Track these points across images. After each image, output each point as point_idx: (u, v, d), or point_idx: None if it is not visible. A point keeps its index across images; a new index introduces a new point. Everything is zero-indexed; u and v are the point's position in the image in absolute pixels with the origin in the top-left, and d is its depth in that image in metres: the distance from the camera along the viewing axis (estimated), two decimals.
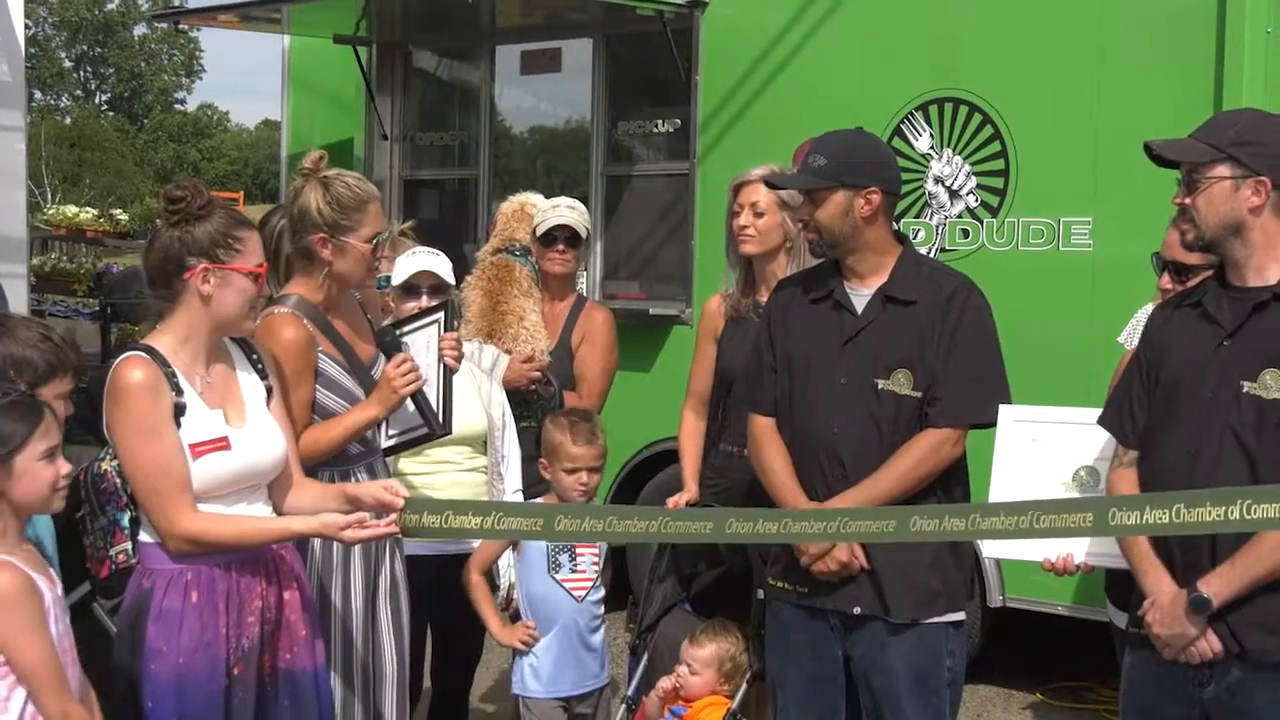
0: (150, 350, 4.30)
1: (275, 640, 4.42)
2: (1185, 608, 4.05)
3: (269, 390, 4.56)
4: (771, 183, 5.47)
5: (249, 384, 4.51)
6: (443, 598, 5.74)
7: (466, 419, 5.19)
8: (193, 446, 4.27)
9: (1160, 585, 4.13)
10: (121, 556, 4.05)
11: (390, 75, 10.95)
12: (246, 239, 4.38)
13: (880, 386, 4.81)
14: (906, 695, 4.90)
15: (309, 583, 4.68)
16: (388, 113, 10.91)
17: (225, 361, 4.48)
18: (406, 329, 5.19)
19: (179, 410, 4.27)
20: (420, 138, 11.05)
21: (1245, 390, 4.06)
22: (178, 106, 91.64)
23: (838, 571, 4.82)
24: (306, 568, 4.81)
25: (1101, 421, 4.47)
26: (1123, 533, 4.09)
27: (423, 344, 5.13)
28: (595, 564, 5.70)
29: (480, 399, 5.97)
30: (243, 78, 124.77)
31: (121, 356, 4.29)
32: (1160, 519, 3.79)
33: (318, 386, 4.93)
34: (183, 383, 4.30)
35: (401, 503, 4.36)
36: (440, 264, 5.98)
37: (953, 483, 4.89)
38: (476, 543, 5.68)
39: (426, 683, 6.27)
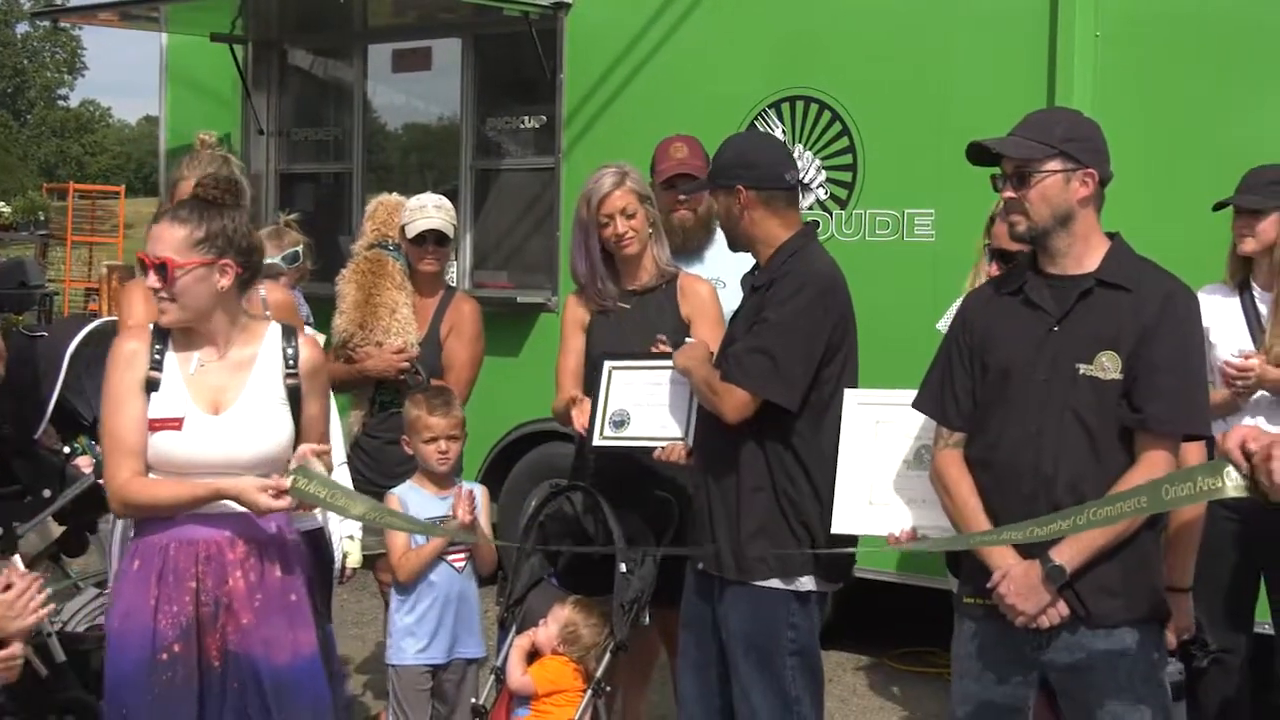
0: (157, 326, 4.45)
1: (224, 626, 4.41)
2: (1040, 577, 4.21)
3: (292, 390, 4.54)
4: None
5: (261, 378, 4.52)
6: None
7: None
8: (151, 421, 4.38)
9: (1007, 559, 4.26)
10: None
11: (266, 72, 10.99)
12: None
13: None
14: (742, 657, 5.03)
15: (260, 573, 4.50)
16: (264, 109, 10.95)
17: (248, 349, 4.54)
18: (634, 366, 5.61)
19: (152, 385, 4.39)
20: (295, 133, 11.08)
21: (1081, 372, 4.23)
22: (61, 103, 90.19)
23: None
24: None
25: (918, 405, 4.60)
26: (982, 544, 4.32)
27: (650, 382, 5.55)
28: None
29: None
30: (124, 75, 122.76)
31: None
32: (1015, 536, 4.04)
33: None
34: (169, 361, 4.43)
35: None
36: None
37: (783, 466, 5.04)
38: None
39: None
